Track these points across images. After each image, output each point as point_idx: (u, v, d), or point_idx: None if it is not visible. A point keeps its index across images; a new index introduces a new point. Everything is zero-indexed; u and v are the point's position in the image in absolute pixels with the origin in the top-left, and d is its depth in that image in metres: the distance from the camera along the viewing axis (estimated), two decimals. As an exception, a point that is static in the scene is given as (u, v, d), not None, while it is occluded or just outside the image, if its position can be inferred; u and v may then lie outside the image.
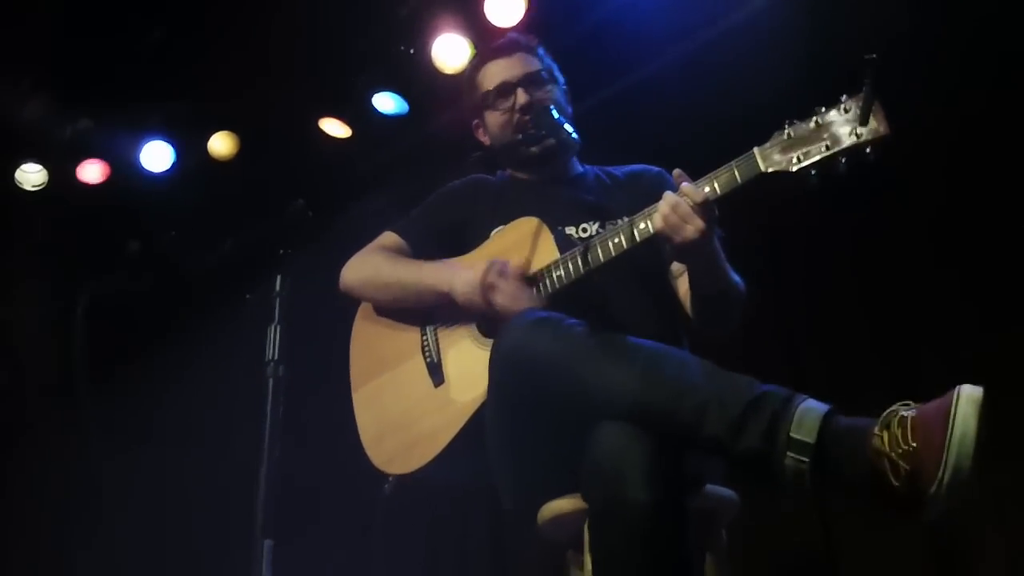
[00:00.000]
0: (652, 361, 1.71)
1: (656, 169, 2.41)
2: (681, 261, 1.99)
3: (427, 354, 2.25)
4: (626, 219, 2.02)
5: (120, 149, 4.22)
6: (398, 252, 2.39)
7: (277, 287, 2.07)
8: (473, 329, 2.21)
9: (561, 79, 2.48)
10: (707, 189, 1.87)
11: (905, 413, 1.50)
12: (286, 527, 1.92)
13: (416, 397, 2.22)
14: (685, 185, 1.87)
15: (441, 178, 2.49)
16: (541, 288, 2.13)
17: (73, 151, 4.21)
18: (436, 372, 2.21)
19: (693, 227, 1.85)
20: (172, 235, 4.42)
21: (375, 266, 2.36)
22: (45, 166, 4.23)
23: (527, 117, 2.34)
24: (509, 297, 2.06)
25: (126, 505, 4.07)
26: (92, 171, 4.24)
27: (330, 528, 3.75)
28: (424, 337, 2.28)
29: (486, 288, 2.08)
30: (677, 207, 1.86)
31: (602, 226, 2.19)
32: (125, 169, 4.24)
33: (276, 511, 1.90)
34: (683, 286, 2.20)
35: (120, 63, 3.91)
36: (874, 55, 1.66)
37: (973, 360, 2.87)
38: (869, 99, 1.71)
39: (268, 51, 3.79)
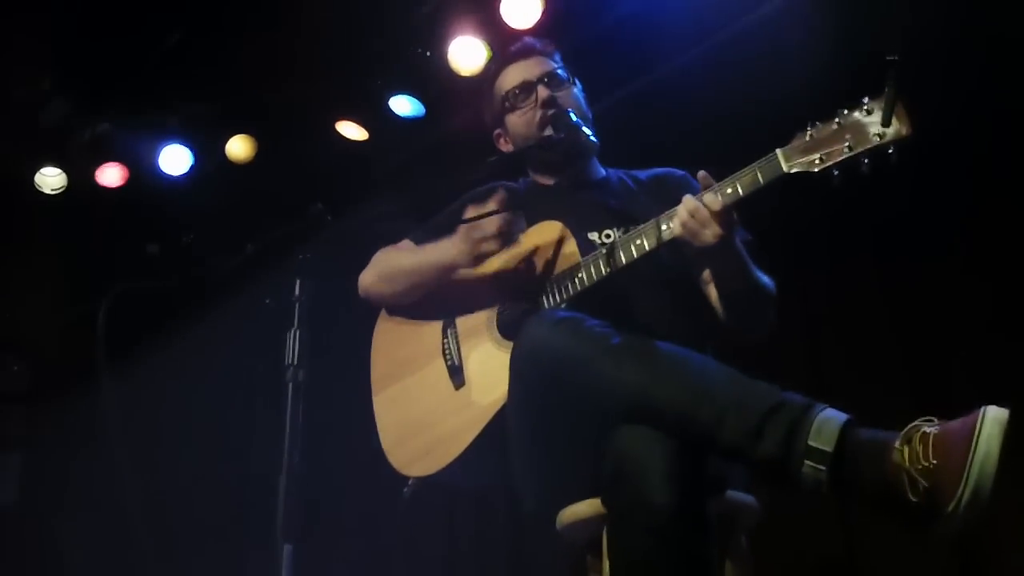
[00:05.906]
0: (671, 364, 1.71)
1: (680, 172, 2.40)
2: (703, 264, 2.00)
3: (448, 356, 2.25)
4: (652, 220, 2.02)
5: (139, 152, 4.24)
6: None
7: (296, 291, 2.07)
8: (493, 331, 2.21)
9: (579, 82, 2.47)
10: (729, 191, 1.87)
11: (928, 429, 1.50)
12: (306, 531, 1.92)
13: (437, 399, 2.22)
14: (706, 194, 1.88)
15: (460, 181, 2.47)
16: (563, 290, 2.12)
17: (92, 154, 4.23)
18: (457, 374, 2.21)
19: (711, 232, 1.87)
20: (191, 238, 4.43)
21: (384, 261, 2.41)
22: (64, 169, 4.26)
23: (550, 112, 2.32)
24: (493, 233, 2.10)
25: (145, 510, 4.08)
26: (111, 174, 4.26)
27: (350, 532, 3.75)
28: (445, 340, 2.28)
29: (471, 233, 2.12)
30: (696, 212, 1.88)
31: (626, 231, 2.17)
32: (144, 172, 4.26)
33: (296, 515, 1.89)
34: (714, 291, 2.19)
35: (138, 66, 3.93)
36: (896, 56, 1.65)
37: (1002, 370, 2.85)
38: (892, 100, 1.70)
39: (285, 54, 3.80)
